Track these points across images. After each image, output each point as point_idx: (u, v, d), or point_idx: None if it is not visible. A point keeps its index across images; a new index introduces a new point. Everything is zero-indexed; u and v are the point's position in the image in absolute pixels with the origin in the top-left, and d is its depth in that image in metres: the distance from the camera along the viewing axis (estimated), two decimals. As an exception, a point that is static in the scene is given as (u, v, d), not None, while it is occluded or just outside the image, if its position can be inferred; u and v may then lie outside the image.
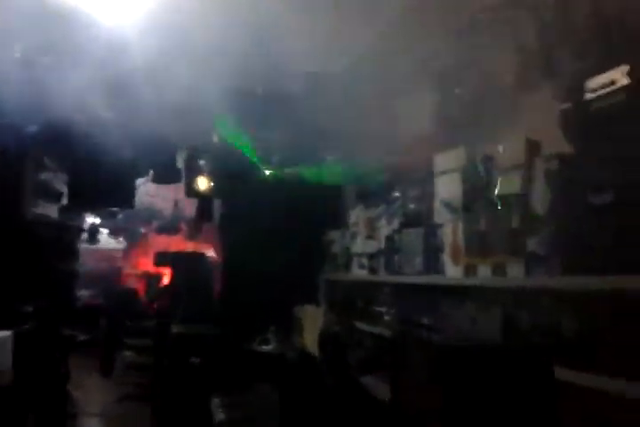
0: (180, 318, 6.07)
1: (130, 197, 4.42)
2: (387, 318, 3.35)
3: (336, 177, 4.26)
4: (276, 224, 4.66)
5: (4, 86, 3.63)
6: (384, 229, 3.56)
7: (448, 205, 2.71)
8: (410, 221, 3.21)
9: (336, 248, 4.32)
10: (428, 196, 3.06)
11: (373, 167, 4.00)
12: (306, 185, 4.44)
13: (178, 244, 11.26)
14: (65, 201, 6.11)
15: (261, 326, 4.29)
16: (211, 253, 9.68)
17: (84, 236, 10.29)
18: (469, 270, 2.52)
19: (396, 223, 3.35)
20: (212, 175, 4.23)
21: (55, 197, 5.81)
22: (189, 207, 8.46)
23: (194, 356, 3.86)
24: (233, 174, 4.34)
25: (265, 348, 4.06)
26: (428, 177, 3.16)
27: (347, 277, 4.07)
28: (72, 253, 5.76)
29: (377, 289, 3.54)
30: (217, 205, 5.40)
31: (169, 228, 10.04)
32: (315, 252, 4.63)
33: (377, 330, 3.33)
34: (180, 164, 4.68)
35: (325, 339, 3.34)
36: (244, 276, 4.87)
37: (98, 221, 10.14)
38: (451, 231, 2.68)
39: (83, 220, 8.48)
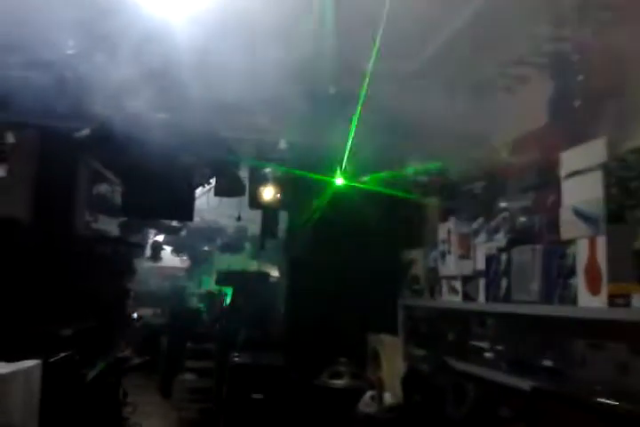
0: (241, 343, 5.62)
1: (188, 209, 3.99)
2: (488, 355, 2.73)
3: (418, 187, 3.69)
4: (348, 241, 4.13)
5: (53, 86, 3.30)
6: (482, 247, 2.97)
7: (583, 215, 2.10)
8: (521, 238, 2.61)
9: (418, 269, 3.74)
10: (549, 204, 2.46)
11: (467, 173, 3.42)
12: (382, 196, 3.88)
13: (241, 262, 10.92)
14: (124, 216, 5.83)
15: (331, 357, 3.72)
16: (275, 273, 9.27)
17: (147, 253, 10.09)
18: (616, 300, 1.89)
19: (500, 240, 2.74)
20: (278, 185, 3.75)
21: (115, 211, 5.51)
22: (254, 224, 8.09)
23: (255, 390, 3.34)
24: (302, 184, 3.84)
25: (337, 382, 3.49)
26: (549, 180, 2.57)
27: (433, 303, 3.47)
28: (130, 270, 5.42)
29: (474, 320, 2.93)
30: (283, 219, 4.93)
31: (232, 246, 9.69)
32: (392, 273, 4.06)
33: (477, 370, 2.72)
34: (244, 173, 4.23)
35: (411, 379, 2.76)
36: (310, 298, 4.34)
37: (161, 238, 9.92)
38: (587, 249, 2.06)
39: (145, 236, 8.23)
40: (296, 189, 3.83)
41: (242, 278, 7.67)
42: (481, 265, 2.98)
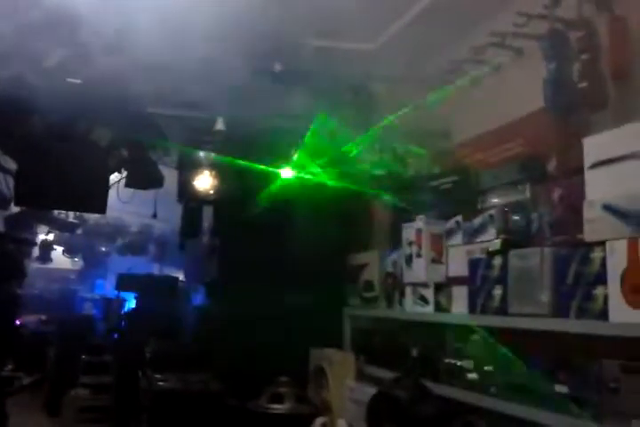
0: (150, 357, 4.95)
1: (101, 199, 3.31)
2: (472, 376, 2.33)
3: (374, 182, 3.27)
4: (286, 242, 3.63)
5: None
6: (459, 250, 2.58)
7: (618, 212, 1.74)
8: (516, 239, 2.23)
9: (371, 275, 3.31)
10: (555, 200, 2.10)
11: (435, 166, 3.04)
12: (329, 192, 3.43)
13: (142, 266, 10.07)
14: (12, 207, 4.97)
15: (269, 377, 3.20)
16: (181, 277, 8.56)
17: (35, 253, 9.02)
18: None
19: (488, 242, 2.36)
20: (215, 173, 3.17)
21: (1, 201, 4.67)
22: (162, 222, 7.36)
23: (185, 420, 2.75)
24: (240, 174, 3.30)
25: (278, 407, 2.98)
26: (553, 172, 2.23)
27: (392, 313, 3.05)
28: (19, 273, 4.60)
29: (451, 334, 2.52)
30: (206, 215, 4.34)
31: (135, 247, 8.85)
32: (337, 279, 3.60)
33: (463, 396, 2.31)
34: (165, 160, 3.60)
35: (380, 406, 2.31)
36: (241, 307, 3.80)
37: (51, 236, 8.90)
38: (625, 252, 1.70)
39: (34, 234, 7.26)
40: (233, 180, 3.27)
41: (148, 283, 6.93)
42: (456, 271, 2.59)
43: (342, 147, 3.24)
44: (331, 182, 3.37)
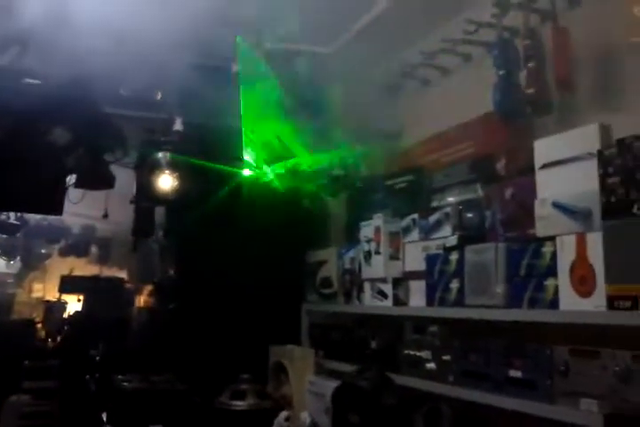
0: (100, 360, 4.89)
1: (57, 200, 3.26)
2: (431, 366, 2.46)
3: (331, 181, 3.36)
4: (241, 240, 3.67)
5: None
6: (416, 246, 2.71)
7: (567, 210, 1.90)
8: (471, 235, 2.37)
9: (329, 272, 3.40)
10: (506, 198, 2.25)
11: (389, 166, 3.16)
12: (285, 190, 3.50)
13: (84, 268, 9.83)
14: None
15: (230, 374, 3.25)
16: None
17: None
18: (619, 303, 1.70)
19: (444, 238, 2.50)
20: (175, 173, 3.18)
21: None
22: (109, 224, 7.22)
23: (152, 420, 2.75)
24: (197, 174, 3.32)
25: (240, 403, 3.02)
26: (502, 172, 2.38)
27: (351, 308, 3.16)
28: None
29: (408, 326, 2.65)
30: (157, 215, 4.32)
31: (77, 248, 8.61)
32: (294, 276, 3.68)
33: (423, 385, 2.43)
34: (122, 161, 3.57)
35: (345, 396, 2.41)
36: (198, 307, 3.82)
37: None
38: (574, 247, 1.86)
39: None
40: (190, 180, 3.29)
41: (93, 285, 6.79)
42: (413, 266, 2.72)
43: (298, 147, 3.31)
44: (287, 182, 3.44)
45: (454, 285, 2.35)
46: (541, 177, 2.03)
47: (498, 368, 2.11)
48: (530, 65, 2.40)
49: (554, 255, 1.93)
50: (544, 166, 2.01)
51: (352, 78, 3.41)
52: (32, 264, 10.00)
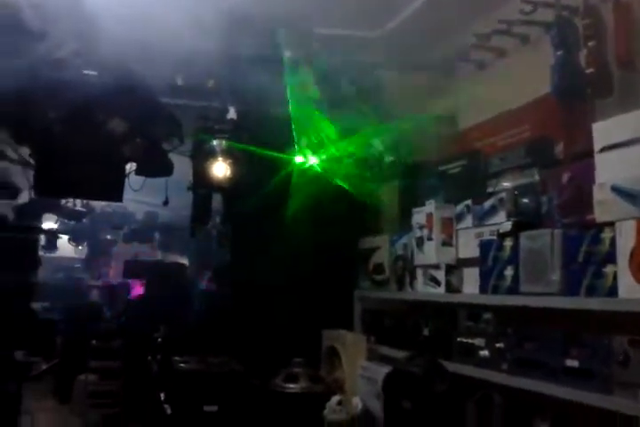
0: (161, 342, 5.06)
1: (118, 188, 3.37)
2: (484, 354, 2.42)
3: (383, 167, 3.34)
4: (296, 227, 3.70)
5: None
6: (470, 232, 2.67)
7: (627, 194, 1.82)
8: (526, 221, 2.32)
9: (381, 258, 3.39)
10: (563, 182, 2.18)
11: (441, 152, 3.11)
12: (338, 178, 3.50)
13: (147, 253, 10.16)
14: (26, 197, 5.02)
15: (283, 358, 3.30)
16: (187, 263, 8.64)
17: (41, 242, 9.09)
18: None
19: (499, 224, 2.44)
20: (229, 161, 3.23)
21: (9, 192, 4.72)
22: (169, 210, 7.43)
23: (209, 401, 2.84)
24: (253, 162, 3.37)
25: (293, 386, 3.07)
26: (560, 155, 2.31)
27: (403, 295, 3.14)
28: (33, 262, 4.66)
29: (462, 314, 2.61)
30: (215, 203, 4.41)
31: (140, 234, 8.93)
32: (347, 263, 3.69)
33: (476, 372, 2.41)
34: (187, 146, 3.64)
35: (396, 383, 2.41)
36: (253, 292, 3.90)
37: (55, 225, 8.95)
38: (633, 232, 1.79)
39: (41, 222, 7.33)
40: (245, 168, 3.34)
41: (155, 270, 7.02)
42: (466, 253, 2.68)
43: (352, 134, 3.30)
44: (341, 169, 3.44)
45: (509, 272, 2.30)
46: (600, 160, 1.95)
47: (553, 357, 2.06)
48: (590, 44, 2.32)
49: (613, 241, 1.86)
50: (603, 149, 1.94)
51: (405, 62, 3.36)
52: (98, 249, 10.42)
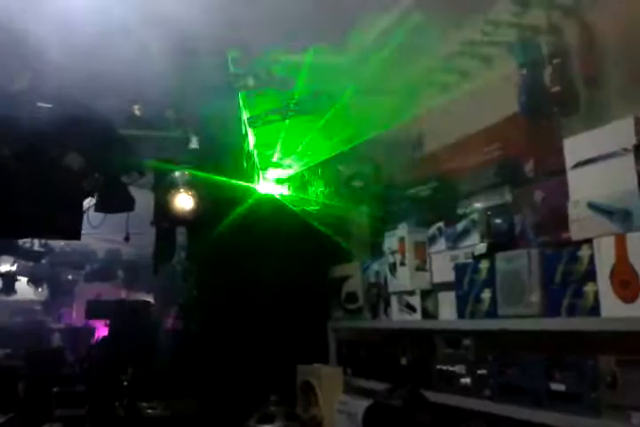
0: (128, 386, 4.81)
1: (75, 224, 3.22)
2: (465, 381, 2.33)
3: (351, 193, 3.28)
4: (261, 257, 3.60)
5: None
6: (443, 255, 2.60)
7: (604, 210, 1.78)
8: (501, 242, 2.26)
9: (354, 286, 3.30)
10: (536, 202, 2.14)
11: (409, 175, 3.07)
12: (309, 203, 3.42)
13: (110, 292, 9.83)
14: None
15: (257, 397, 3.15)
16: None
17: (-1, 286, 8.75)
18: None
19: (473, 246, 2.39)
20: (195, 190, 3.12)
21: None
22: (131, 247, 7.22)
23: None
24: (215, 193, 3.26)
25: (268, 427, 2.92)
26: (530, 175, 2.28)
27: (378, 324, 3.04)
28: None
29: (440, 340, 2.53)
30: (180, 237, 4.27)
31: (102, 273, 8.63)
32: (317, 293, 3.58)
33: (453, 400, 2.31)
34: (140, 182, 3.53)
35: (377, 416, 2.29)
36: (221, 329, 3.73)
37: (13, 267, 8.63)
38: (613, 249, 1.74)
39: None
40: (210, 199, 3.23)
41: (119, 309, 6.76)
42: (441, 277, 2.61)
43: (317, 160, 3.24)
44: (308, 197, 3.37)
45: (486, 295, 2.23)
46: (574, 177, 1.91)
47: (537, 382, 1.98)
48: (554, 62, 2.31)
49: (591, 259, 1.82)
50: (576, 166, 1.90)
51: (368, 86, 3.34)
52: (59, 290, 10.05)
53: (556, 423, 1.88)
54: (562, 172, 2.04)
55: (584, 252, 1.85)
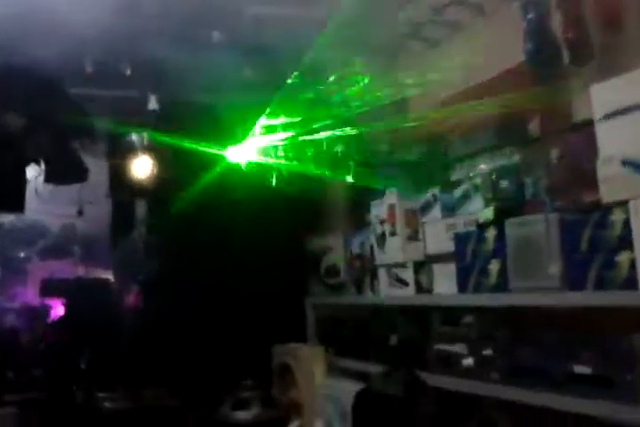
0: (86, 369, 4.48)
1: (17, 196, 2.84)
2: (468, 362, 2.10)
3: (338, 156, 2.98)
4: (233, 229, 3.30)
5: None
6: (439, 224, 2.34)
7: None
8: (510, 208, 2.01)
9: (336, 259, 3.03)
10: (552, 161, 1.89)
11: (398, 137, 2.78)
12: (280, 172, 3.11)
13: (66, 269, 9.36)
14: None
15: (232, 381, 2.88)
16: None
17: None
18: None
19: (475, 212, 2.13)
20: (155, 156, 2.76)
21: None
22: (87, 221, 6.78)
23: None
24: (178, 160, 2.92)
25: (243, 414, 2.66)
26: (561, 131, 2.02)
27: (365, 299, 2.79)
28: None
29: (437, 318, 2.28)
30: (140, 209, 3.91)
31: (57, 250, 8.14)
32: (295, 267, 3.30)
33: (452, 383, 2.08)
34: (92, 149, 3.15)
35: (369, 403, 2.05)
36: (187, 308, 3.43)
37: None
38: (653, 211, 1.50)
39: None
40: (173, 166, 2.88)
41: (76, 288, 6.36)
42: (436, 248, 2.36)
43: (290, 123, 2.92)
44: (283, 163, 3.05)
45: (494, 266, 1.98)
46: (603, 130, 1.66)
47: (557, 363, 1.76)
48: (565, 4, 2.04)
49: (627, 224, 1.57)
50: (606, 117, 1.64)
51: (347, 43, 3.01)
52: (12, 269, 9.52)
53: (580, 410, 1.67)
54: (581, 126, 1.80)
55: (616, 216, 1.61)
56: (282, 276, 3.28)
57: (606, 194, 1.63)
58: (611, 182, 1.61)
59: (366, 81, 2.97)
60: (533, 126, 2.21)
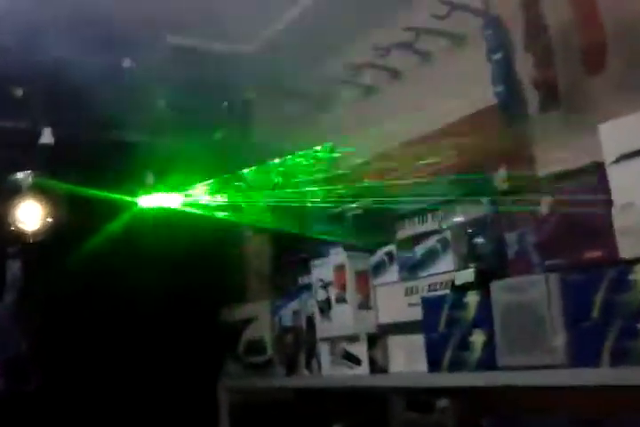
0: None
1: None
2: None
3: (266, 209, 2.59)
4: (130, 294, 2.76)
5: None
6: (393, 289, 2.00)
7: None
8: (492, 269, 1.71)
9: (258, 332, 2.56)
10: (544, 214, 1.63)
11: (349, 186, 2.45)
12: (195, 225, 2.66)
13: None
14: None
15: None
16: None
17: None
18: None
19: (427, 278, 1.82)
20: (44, 200, 2.19)
21: None
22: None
23: None
24: (75, 201, 2.40)
25: None
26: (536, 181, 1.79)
27: (297, 382, 2.32)
28: None
29: (398, 401, 1.89)
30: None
31: None
32: (208, 342, 2.78)
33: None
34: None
35: None
36: (64, 392, 2.76)
37: None
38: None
39: None
40: (66, 213, 2.35)
41: None
42: (391, 316, 2.01)
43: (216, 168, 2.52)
44: (194, 214, 2.61)
45: (477, 338, 1.65)
46: (617, 174, 1.42)
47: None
48: (538, 42, 1.87)
49: (652, 285, 1.31)
50: (620, 159, 1.42)
51: (278, 86, 2.73)
52: None
53: None
54: (577, 173, 1.58)
55: (638, 275, 1.35)
56: (190, 353, 2.74)
57: (625, 248, 1.38)
58: (630, 235, 1.36)
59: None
60: (500, 177, 1.99)
